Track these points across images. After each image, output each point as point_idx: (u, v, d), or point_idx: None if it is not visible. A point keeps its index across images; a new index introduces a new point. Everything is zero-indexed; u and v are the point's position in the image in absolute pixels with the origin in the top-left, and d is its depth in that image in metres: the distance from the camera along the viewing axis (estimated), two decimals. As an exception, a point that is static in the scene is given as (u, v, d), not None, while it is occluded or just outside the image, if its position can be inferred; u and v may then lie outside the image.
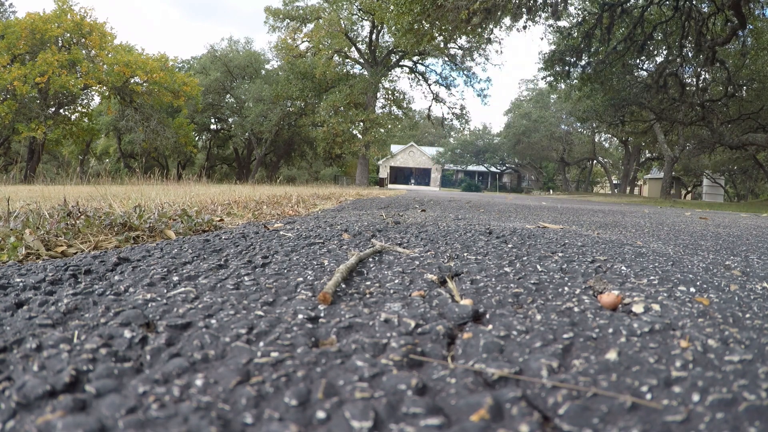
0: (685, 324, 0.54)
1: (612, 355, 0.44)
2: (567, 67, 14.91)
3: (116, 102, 24.29)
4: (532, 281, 0.75)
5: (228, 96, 33.88)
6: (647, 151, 29.92)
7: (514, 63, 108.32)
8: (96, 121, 26.44)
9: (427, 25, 11.47)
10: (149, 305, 0.60)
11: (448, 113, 32.98)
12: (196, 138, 33.59)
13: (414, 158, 46.31)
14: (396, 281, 0.76)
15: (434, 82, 32.16)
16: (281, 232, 1.37)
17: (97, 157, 33.35)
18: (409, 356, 0.44)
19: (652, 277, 0.79)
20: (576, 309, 0.60)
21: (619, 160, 34.64)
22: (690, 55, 14.08)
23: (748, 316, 0.58)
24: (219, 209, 2.58)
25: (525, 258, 0.98)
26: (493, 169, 42.79)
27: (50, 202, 2.25)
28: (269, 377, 0.39)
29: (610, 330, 0.52)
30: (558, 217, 2.44)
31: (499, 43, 34.55)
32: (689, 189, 32.16)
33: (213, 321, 0.54)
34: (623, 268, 0.87)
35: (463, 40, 24.15)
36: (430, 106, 33.64)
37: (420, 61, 31.50)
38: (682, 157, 22.76)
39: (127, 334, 0.49)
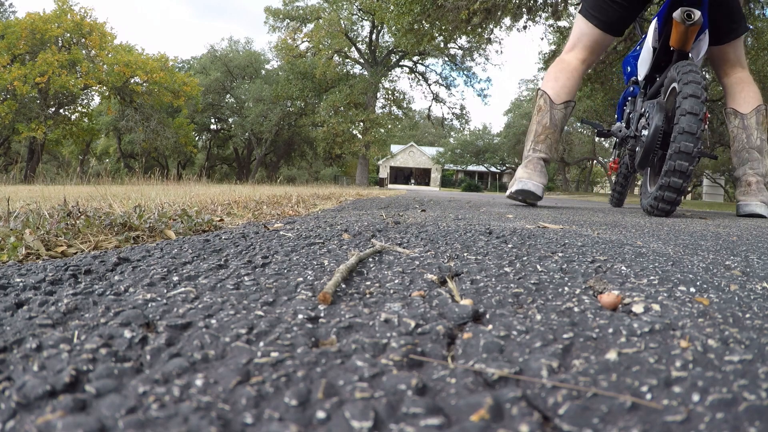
0: (685, 324, 0.54)
1: (612, 355, 0.44)
2: (567, 67, 14.87)
3: (116, 102, 24.30)
4: (532, 281, 0.75)
5: (228, 96, 33.89)
6: (647, 151, 29.86)
7: (514, 63, 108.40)
8: (96, 121, 26.45)
9: (427, 26, 11.47)
10: (149, 305, 0.60)
11: (448, 113, 33.03)
12: (196, 138, 33.60)
13: (414, 158, 46.31)
14: (396, 281, 0.76)
15: (434, 82, 32.19)
16: (281, 232, 1.37)
17: (97, 157, 33.35)
18: (409, 356, 0.44)
19: (652, 277, 0.79)
20: (576, 309, 0.60)
21: (619, 160, 34.56)
22: (690, 55, 14.06)
23: (748, 316, 0.58)
24: (219, 209, 2.58)
25: (525, 258, 0.97)
26: (493, 169, 42.79)
27: (50, 202, 2.25)
28: (269, 377, 0.39)
29: (610, 330, 0.52)
30: (558, 217, 2.44)
31: (499, 43, 34.59)
32: (689, 189, 32.20)
33: (213, 321, 0.54)
34: (623, 268, 0.87)
35: (463, 40, 24.17)
36: (430, 106, 33.67)
37: (420, 61, 31.53)
38: (682, 157, 22.69)
39: (127, 334, 0.49)
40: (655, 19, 3.13)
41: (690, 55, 3.02)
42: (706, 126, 2.57)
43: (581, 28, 3.54)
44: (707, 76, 16.62)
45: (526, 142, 3.58)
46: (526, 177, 3.37)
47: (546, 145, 3.43)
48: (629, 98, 3.95)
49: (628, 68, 4.04)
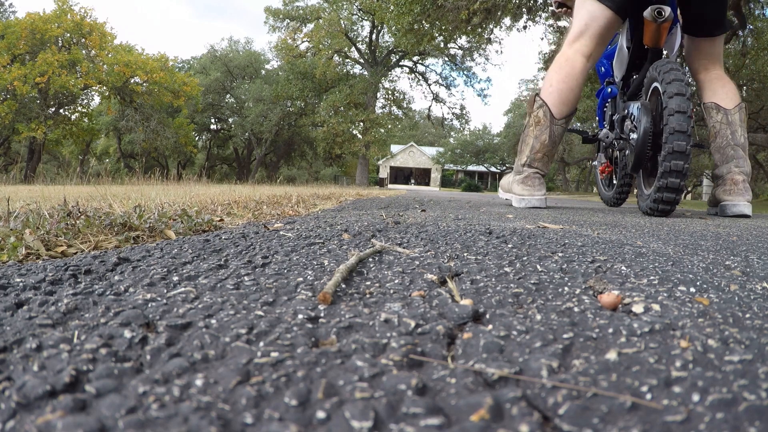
0: (685, 324, 0.54)
1: (612, 355, 0.44)
2: (567, 67, 14.86)
3: (116, 102, 24.30)
4: (532, 281, 0.75)
5: (228, 96, 33.88)
6: (647, 151, 29.82)
7: (514, 63, 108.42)
8: (96, 121, 26.44)
9: (427, 26, 11.47)
10: (149, 305, 0.60)
11: (448, 113, 33.02)
12: (196, 138, 33.59)
13: (414, 158, 46.31)
14: (396, 281, 0.76)
15: (434, 82, 32.19)
16: (281, 232, 1.37)
17: (97, 157, 33.32)
18: (409, 356, 0.44)
19: (652, 277, 0.79)
20: (576, 309, 0.60)
21: (619, 160, 34.51)
22: (690, 55, 14.04)
23: (748, 316, 0.58)
24: (219, 209, 2.58)
25: (525, 258, 0.97)
26: (493, 169, 42.79)
27: (50, 202, 2.25)
28: (269, 377, 0.39)
29: (610, 330, 0.52)
30: (558, 217, 2.44)
31: (499, 43, 34.58)
32: (689, 189, 32.16)
33: (213, 321, 0.54)
34: (623, 268, 0.87)
35: (463, 40, 24.17)
36: (430, 106, 33.66)
37: (420, 61, 31.52)
38: (682, 157, 22.66)
39: (127, 334, 0.49)
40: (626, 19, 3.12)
41: (664, 50, 3.01)
42: (693, 121, 2.57)
43: (591, 12, 3.16)
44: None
45: (521, 153, 3.50)
46: (527, 194, 3.35)
47: (543, 163, 3.39)
48: (608, 100, 3.94)
49: (602, 68, 3.97)
